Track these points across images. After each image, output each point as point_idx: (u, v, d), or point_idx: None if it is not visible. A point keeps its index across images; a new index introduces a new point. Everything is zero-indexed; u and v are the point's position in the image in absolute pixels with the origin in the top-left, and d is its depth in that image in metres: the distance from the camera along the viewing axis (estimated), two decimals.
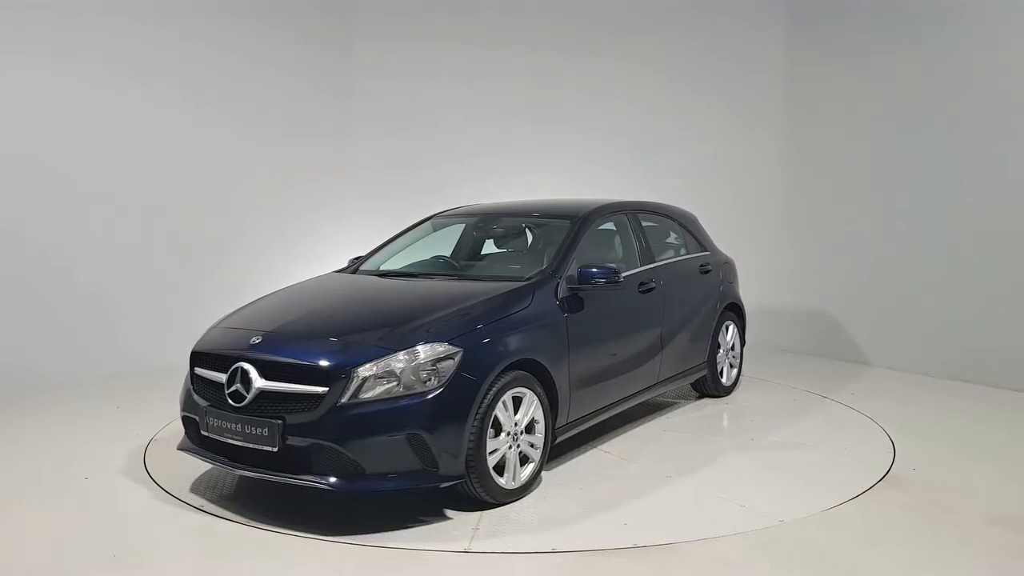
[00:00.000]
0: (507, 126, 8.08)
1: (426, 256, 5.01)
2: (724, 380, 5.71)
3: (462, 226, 5.26)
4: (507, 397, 3.64)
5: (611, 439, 4.67)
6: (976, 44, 6.07)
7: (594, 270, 4.20)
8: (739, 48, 7.81)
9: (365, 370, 3.37)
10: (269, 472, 3.44)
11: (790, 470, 4.18)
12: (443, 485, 3.45)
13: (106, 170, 6.42)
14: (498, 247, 5.19)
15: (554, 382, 3.92)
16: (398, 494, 3.67)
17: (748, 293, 6.16)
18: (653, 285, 4.86)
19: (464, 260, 5.03)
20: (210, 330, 4.02)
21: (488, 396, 3.52)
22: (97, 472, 4.15)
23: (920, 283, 6.51)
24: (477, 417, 3.47)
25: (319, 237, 7.71)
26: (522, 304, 3.94)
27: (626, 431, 4.84)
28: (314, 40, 7.82)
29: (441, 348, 3.48)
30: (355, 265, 4.98)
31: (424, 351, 3.46)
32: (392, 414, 3.32)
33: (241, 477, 3.96)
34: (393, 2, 8.08)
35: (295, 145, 7.66)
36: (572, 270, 4.27)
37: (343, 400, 3.33)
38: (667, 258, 5.29)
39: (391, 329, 3.59)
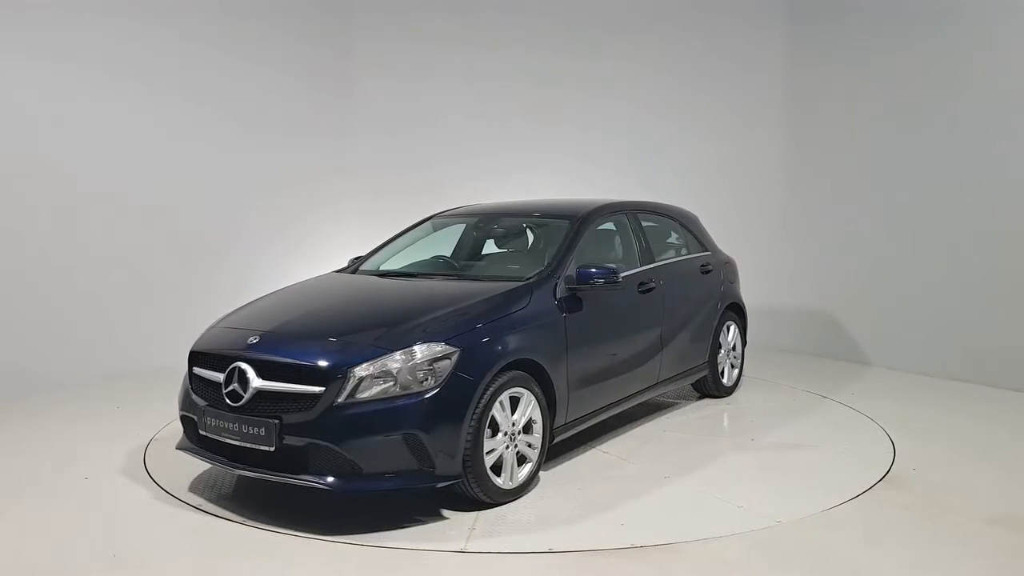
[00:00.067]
0: (507, 126, 8.08)
1: (426, 256, 5.02)
2: (725, 380, 5.70)
3: (462, 226, 5.25)
4: (504, 397, 3.63)
5: (611, 439, 4.67)
6: (976, 44, 6.06)
7: (593, 270, 4.20)
8: (739, 48, 7.81)
9: (361, 370, 3.37)
10: (267, 472, 3.44)
11: (790, 470, 4.18)
12: (440, 485, 3.45)
13: (106, 170, 6.43)
14: (498, 247, 5.19)
15: (552, 382, 3.92)
16: (395, 494, 3.67)
17: (748, 293, 6.16)
18: (653, 285, 4.86)
19: (464, 260, 5.03)
20: (209, 330, 4.03)
21: (485, 396, 3.52)
22: (97, 472, 4.15)
23: (920, 283, 6.51)
24: (474, 417, 3.47)
25: (319, 237, 7.72)
26: (520, 304, 3.93)
27: (626, 431, 4.84)
28: (314, 40, 7.82)
29: (438, 348, 3.48)
30: (355, 265, 4.98)
31: (421, 351, 3.46)
32: (388, 414, 3.32)
33: (240, 477, 3.96)
34: (393, 2, 8.09)
35: (295, 145, 7.67)
36: (571, 270, 4.26)
37: (339, 400, 3.33)
38: (667, 258, 5.29)
39: (388, 329, 3.59)
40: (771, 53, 7.74)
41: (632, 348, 4.65)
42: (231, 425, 3.47)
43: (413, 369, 3.41)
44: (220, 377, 3.58)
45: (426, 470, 3.38)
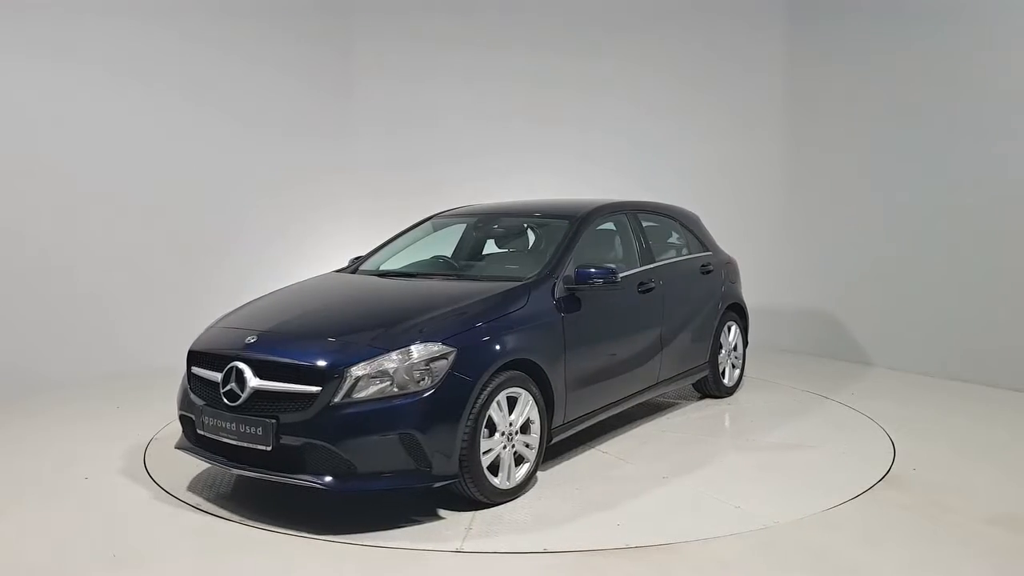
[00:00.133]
0: (507, 126, 8.07)
1: (426, 256, 5.01)
2: (726, 381, 5.69)
3: (462, 226, 5.25)
4: (502, 397, 3.63)
5: (610, 439, 4.66)
6: (976, 44, 6.05)
7: (591, 270, 4.19)
8: (739, 48, 7.80)
9: (358, 369, 3.37)
10: (265, 471, 3.44)
11: (790, 470, 4.17)
12: (436, 485, 3.45)
13: (106, 170, 6.43)
14: (499, 247, 5.19)
15: (550, 382, 3.91)
16: (392, 493, 3.66)
17: (748, 293, 6.15)
18: (653, 285, 4.85)
19: (464, 260, 5.03)
20: (207, 330, 4.04)
21: (482, 396, 3.52)
22: (97, 472, 4.16)
23: (920, 283, 6.50)
24: (471, 417, 3.47)
25: (319, 237, 7.72)
26: (518, 304, 3.93)
27: (625, 431, 4.83)
28: (314, 40, 7.82)
29: (435, 348, 3.48)
30: (355, 265, 4.98)
31: (417, 351, 3.46)
32: (385, 414, 3.32)
33: (240, 476, 3.96)
34: (393, 2, 8.09)
35: (295, 145, 7.67)
36: (569, 270, 4.25)
37: (336, 400, 3.33)
38: (668, 258, 5.28)
39: (385, 329, 3.59)
40: (771, 53, 7.74)
41: (632, 348, 4.65)
42: (229, 425, 3.48)
43: (410, 369, 3.41)
44: (218, 377, 3.58)
45: (423, 470, 3.38)
